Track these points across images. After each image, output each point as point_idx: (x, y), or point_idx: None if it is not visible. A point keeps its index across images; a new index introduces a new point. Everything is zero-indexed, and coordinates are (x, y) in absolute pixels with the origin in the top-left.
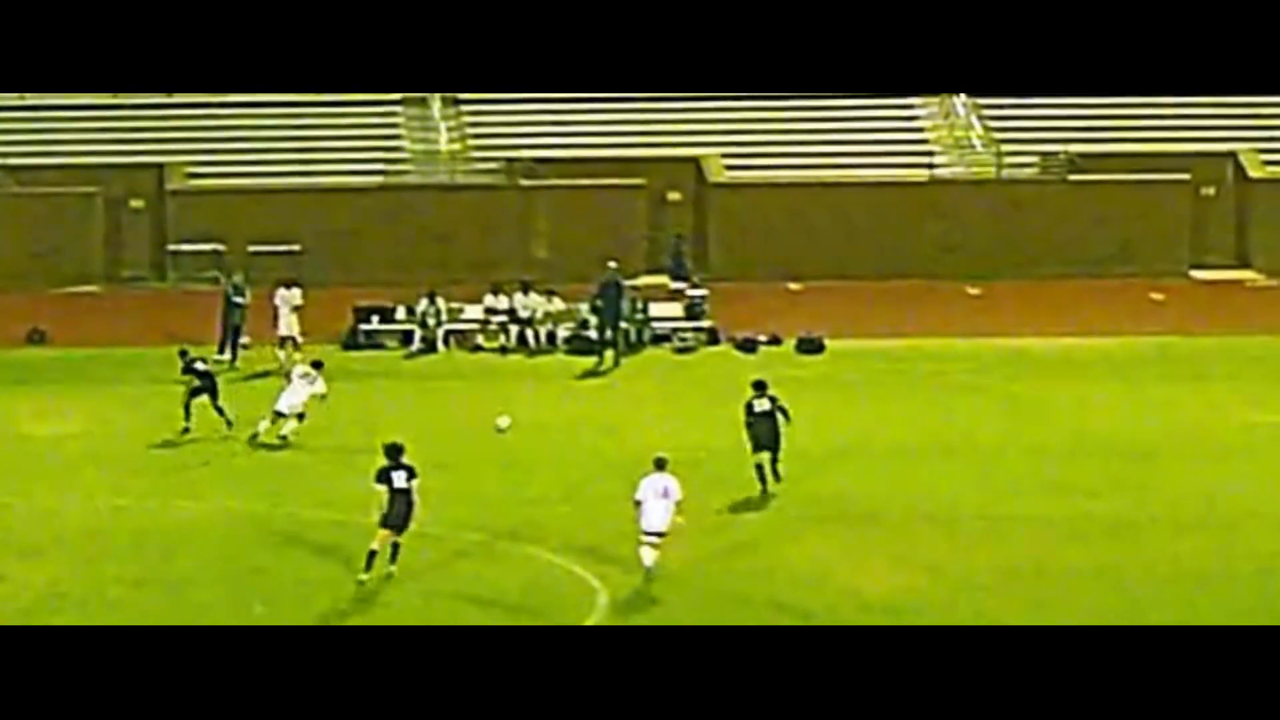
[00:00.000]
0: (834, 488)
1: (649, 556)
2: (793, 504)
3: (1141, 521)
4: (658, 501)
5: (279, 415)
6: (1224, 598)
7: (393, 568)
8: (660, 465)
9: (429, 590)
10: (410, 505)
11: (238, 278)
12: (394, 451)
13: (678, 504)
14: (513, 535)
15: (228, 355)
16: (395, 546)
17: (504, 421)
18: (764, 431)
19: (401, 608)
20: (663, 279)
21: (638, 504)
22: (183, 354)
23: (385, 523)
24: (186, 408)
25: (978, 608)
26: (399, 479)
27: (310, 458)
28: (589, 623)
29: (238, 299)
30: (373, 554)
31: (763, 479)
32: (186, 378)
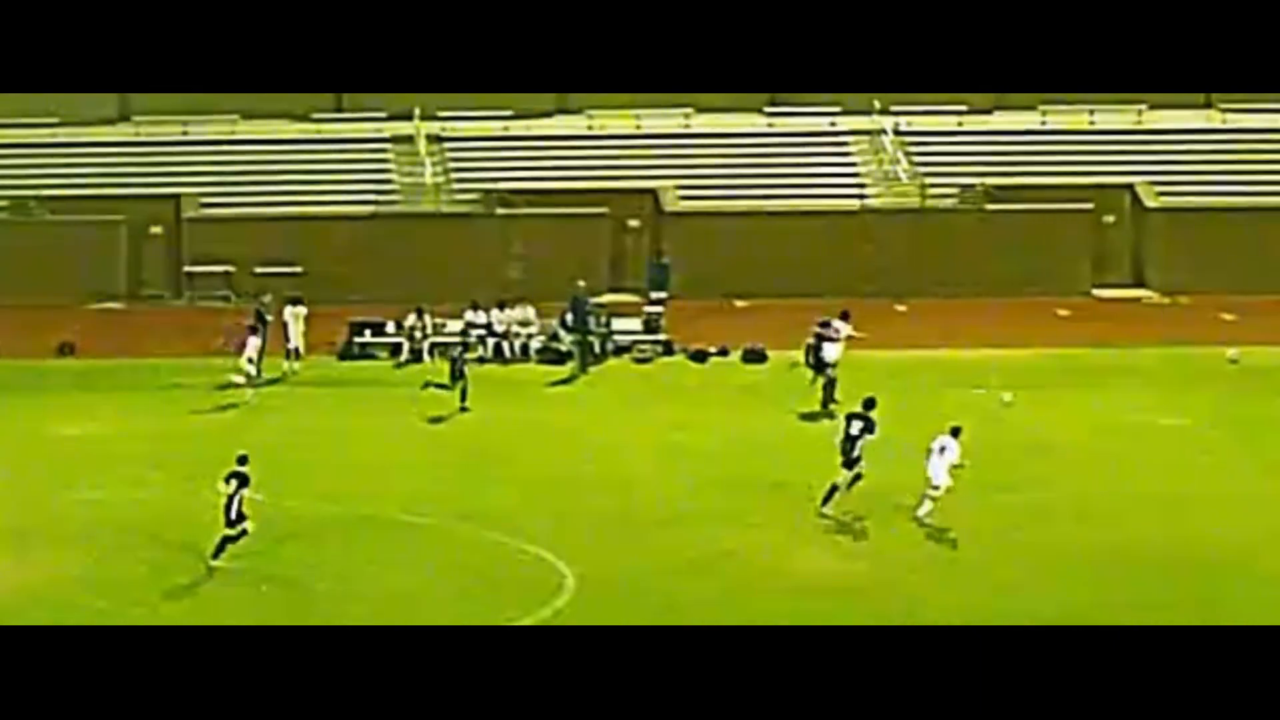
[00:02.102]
0: (775, 480)
1: (924, 507)
2: (738, 493)
3: (1049, 510)
4: (937, 458)
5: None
6: (1124, 575)
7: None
8: (955, 433)
9: (411, 576)
10: (853, 448)
11: (267, 298)
12: (867, 403)
13: (952, 465)
14: (489, 522)
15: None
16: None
17: (1008, 396)
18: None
19: (383, 592)
20: (625, 296)
21: (929, 451)
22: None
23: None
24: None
25: (902, 585)
26: (854, 427)
27: (311, 456)
28: (557, 603)
29: (269, 317)
30: (834, 488)
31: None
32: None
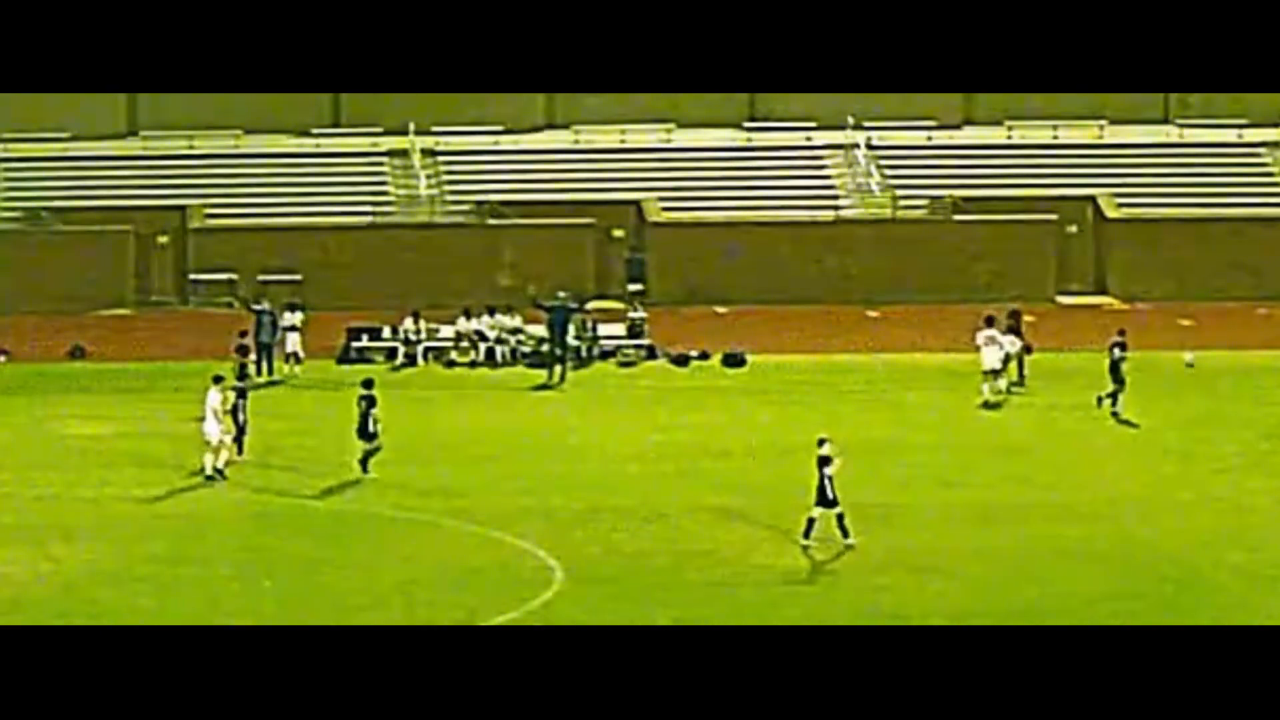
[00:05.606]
0: (754, 479)
1: None
2: (719, 492)
3: (1019, 508)
4: None
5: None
6: (1091, 571)
7: None
8: None
9: (406, 569)
10: None
11: (263, 304)
12: None
13: None
14: (480, 519)
15: (270, 371)
16: None
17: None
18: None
19: (379, 585)
20: (610, 303)
21: None
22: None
23: None
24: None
25: (875, 581)
26: None
27: (308, 454)
28: (546, 596)
29: (281, 324)
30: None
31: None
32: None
